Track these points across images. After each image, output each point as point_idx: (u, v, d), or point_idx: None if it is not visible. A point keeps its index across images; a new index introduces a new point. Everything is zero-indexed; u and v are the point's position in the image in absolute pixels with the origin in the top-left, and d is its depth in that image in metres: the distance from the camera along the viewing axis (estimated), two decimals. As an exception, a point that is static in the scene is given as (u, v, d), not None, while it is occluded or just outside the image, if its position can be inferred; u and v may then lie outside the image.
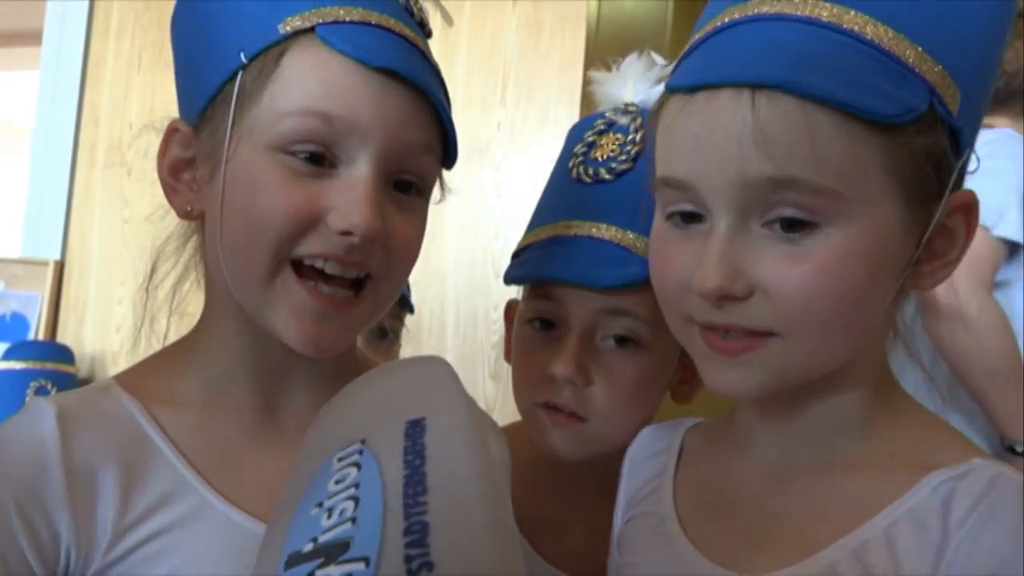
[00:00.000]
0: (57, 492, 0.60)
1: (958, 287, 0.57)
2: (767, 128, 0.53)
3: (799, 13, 0.55)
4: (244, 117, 0.63)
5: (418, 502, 0.40)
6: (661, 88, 0.86)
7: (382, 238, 0.63)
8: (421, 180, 0.67)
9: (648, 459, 0.78)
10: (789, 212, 0.55)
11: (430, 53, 0.69)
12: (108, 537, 0.61)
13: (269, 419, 0.70)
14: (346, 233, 0.62)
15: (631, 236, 0.81)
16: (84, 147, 2.04)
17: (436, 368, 0.55)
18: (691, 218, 0.60)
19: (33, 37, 2.30)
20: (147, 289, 0.73)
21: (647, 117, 0.84)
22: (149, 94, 1.98)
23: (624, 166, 0.83)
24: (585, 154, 0.86)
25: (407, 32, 0.66)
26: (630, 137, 0.84)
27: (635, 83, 0.88)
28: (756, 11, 0.56)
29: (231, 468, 0.66)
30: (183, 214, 0.69)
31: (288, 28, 0.62)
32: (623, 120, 0.86)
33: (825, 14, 0.55)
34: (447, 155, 0.70)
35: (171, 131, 0.68)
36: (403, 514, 0.40)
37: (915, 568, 0.55)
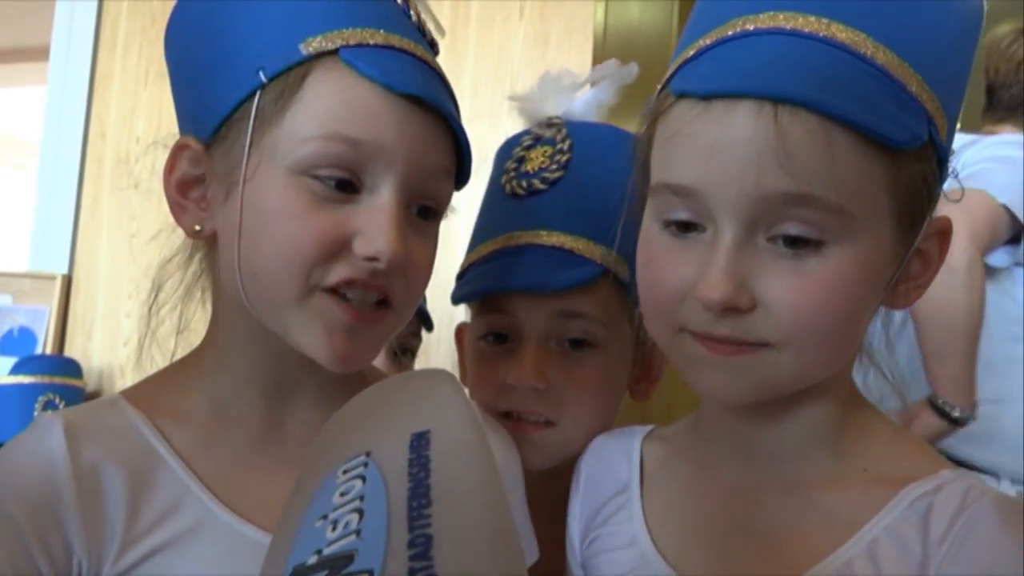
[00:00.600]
0: (68, 505, 0.60)
1: (954, 240, 0.58)
2: (789, 144, 0.54)
3: (816, 32, 0.56)
4: (263, 138, 0.62)
5: (423, 514, 0.40)
6: (585, 98, 0.89)
7: (405, 264, 0.63)
8: (438, 205, 0.68)
9: (604, 471, 0.77)
10: (795, 229, 0.56)
11: (444, 74, 0.69)
12: (116, 548, 0.61)
13: (275, 433, 0.69)
14: (372, 259, 0.62)
15: (572, 239, 0.82)
16: (91, 161, 2.05)
17: (441, 381, 0.55)
18: (687, 227, 0.60)
19: (40, 52, 2.31)
20: (150, 308, 0.73)
21: (571, 127, 0.87)
22: (156, 108, 1.99)
23: (556, 174, 0.85)
24: (516, 169, 0.87)
25: (427, 57, 0.66)
26: (558, 147, 0.86)
27: (555, 97, 0.91)
28: (772, 24, 0.57)
29: (237, 480, 0.66)
30: (192, 233, 0.68)
31: (311, 49, 0.62)
32: (548, 133, 0.88)
33: (841, 36, 0.56)
34: (460, 175, 0.70)
35: (180, 147, 0.67)
36: (407, 527, 0.40)
37: None
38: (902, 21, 0.57)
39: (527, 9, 1.67)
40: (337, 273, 0.62)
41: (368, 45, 0.63)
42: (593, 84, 0.92)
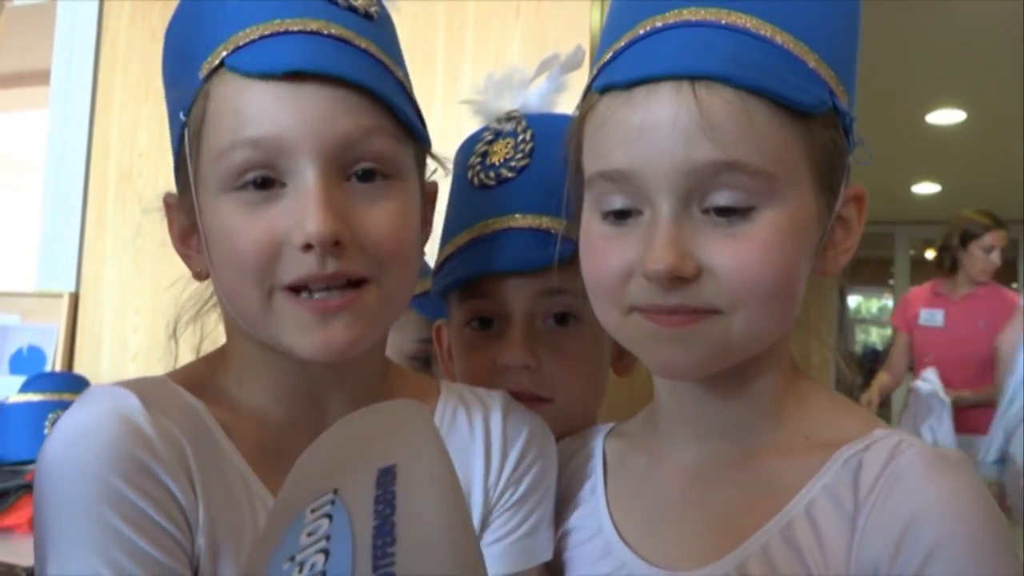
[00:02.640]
0: (161, 459, 0.60)
1: None
2: (711, 116, 0.58)
3: (721, 20, 0.61)
4: (199, 170, 0.65)
5: (387, 553, 0.40)
6: (539, 90, 0.91)
7: (350, 238, 0.62)
8: (381, 163, 0.65)
9: (571, 471, 0.80)
10: (725, 199, 0.60)
11: (358, 33, 0.66)
12: (204, 522, 0.61)
13: (312, 435, 0.70)
14: (307, 246, 0.61)
15: (547, 219, 0.85)
16: (95, 178, 2.06)
17: (410, 413, 0.55)
18: (624, 215, 0.63)
19: (41, 77, 2.33)
20: (175, 338, 0.75)
21: (530, 119, 0.90)
22: (158, 123, 1.99)
23: (522, 162, 0.88)
24: (481, 163, 0.90)
25: (312, 26, 0.64)
26: (520, 138, 0.89)
27: (510, 92, 0.94)
28: (679, 19, 0.62)
29: (282, 478, 0.66)
30: (197, 276, 0.71)
31: (204, 72, 0.63)
32: (508, 126, 0.91)
33: (741, 22, 0.61)
34: (415, 133, 0.69)
35: (167, 205, 0.71)
36: (372, 566, 0.39)
37: (834, 540, 0.60)
38: (795, 7, 0.63)
39: (523, 10, 1.68)
40: (288, 273, 0.62)
41: (245, 44, 0.63)
42: (542, 75, 0.95)
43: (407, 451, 0.49)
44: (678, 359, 0.64)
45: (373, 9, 0.69)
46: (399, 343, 1.25)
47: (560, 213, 0.84)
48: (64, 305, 2.03)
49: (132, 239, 2.00)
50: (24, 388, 1.81)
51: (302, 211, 0.61)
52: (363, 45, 0.66)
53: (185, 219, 0.69)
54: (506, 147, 0.88)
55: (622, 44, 0.64)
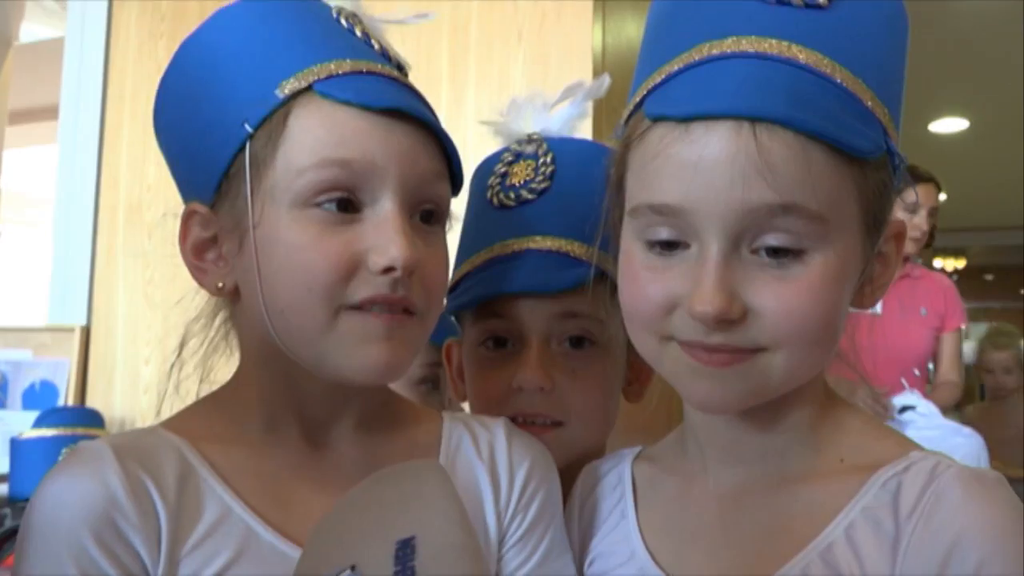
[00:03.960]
0: (129, 516, 0.61)
1: None
2: (770, 159, 0.57)
3: (778, 54, 0.60)
4: (261, 183, 0.66)
5: None
6: (561, 115, 0.92)
7: (419, 269, 0.65)
8: (439, 207, 0.70)
9: (599, 495, 0.79)
10: (777, 240, 0.59)
11: (416, 89, 0.72)
12: (164, 566, 0.62)
13: (316, 457, 0.71)
14: (388, 269, 0.64)
15: (567, 243, 0.85)
16: (105, 211, 2.07)
17: (429, 475, 0.55)
18: (671, 246, 0.63)
19: (50, 112, 2.35)
20: (172, 365, 0.75)
21: (551, 142, 0.90)
22: (166, 156, 2.01)
23: (543, 185, 0.87)
24: (501, 184, 0.89)
25: (395, 74, 0.70)
26: (540, 160, 0.89)
27: (530, 116, 0.94)
28: (737, 49, 0.61)
29: (279, 501, 0.67)
30: (215, 291, 0.71)
31: (287, 91, 0.66)
32: (529, 149, 0.90)
33: (802, 57, 0.60)
34: (454, 180, 0.73)
35: (189, 214, 0.70)
36: None
37: (876, 562, 0.59)
38: (852, 41, 0.62)
39: (525, 33, 1.69)
40: (358, 292, 0.64)
41: (338, 75, 0.66)
42: (565, 101, 0.95)
43: (426, 519, 0.49)
44: (716, 395, 0.63)
45: (407, 71, 0.75)
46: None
47: (580, 237, 0.84)
48: (76, 339, 2.03)
49: (142, 271, 2.01)
50: (37, 423, 1.82)
51: (384, 236, 0.64)
52: (423, 97, 0.72)
53: (207, 231, 0.70)
54: (527, 169, 0.88)
55: (675, 68, 0.62)
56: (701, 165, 0.59)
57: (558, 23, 1.68)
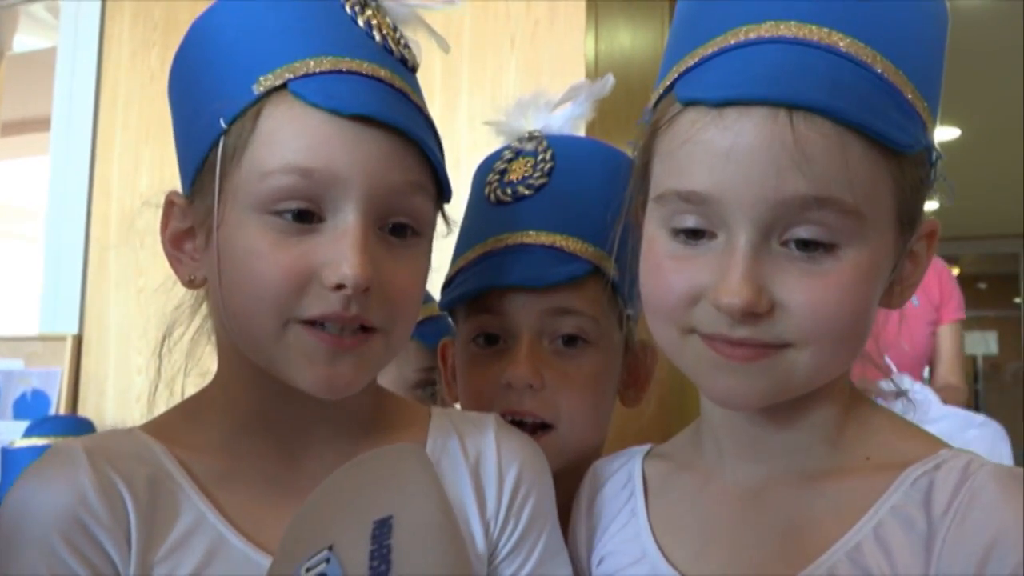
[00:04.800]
0: (100, 518, 0.60)
1: None
2: (806, 148, 0.55)
3: (819, 40, 0.57)
4: (229, 182, 0.64)
5: None
6: (563, 113, 0.91)
7: (377, 287, 0.63)
8: (415, 221, 0.67)
9: (608, 493, 0.77)
10: (808, 233, 0.57)
11: (413, 89, 0.69)
12: (135, 569, 0.61)
13: (292, 469, 0.69)
14: (339, 286, 0.61)
15: (562, 238, 0.84)
16: (97, 220, 2.06)
17: (408, 458, 0.54)
18: (697, 234, 0.60)
19: (42, 123, 2.35)
20: (160, 355, 0.74)
21: (551, 140, 0.89)
22: (158, 165, 2.01)
23: (540, 181, 0.86)
24: (499, 180, 0.88)
25: (381, 73, 0.65)
26: (540, 157, 0.88)
27: (533, 115, 0.93)
28: (775, 33, 0.58)
29: (253, 511, 0.66)
30: (187, 283, 0.69)
31: (262, 88, 0.63)
32: (529, 146, 0.89)
33: (843, 44, 0.57)
34: (442, 191, 0.70)
35: (168, 204, 0.69)
36: None
37: (907, 562, 0.57)
38: (895, 31, 0.59)
39: (518, 40, 1.70)
40: (310, 308, 0.62)
41: (315, 74, 0.63)
42: (568, 101, 0.95)
43: (404, 500, 0.48)
44: (737, 390, 0.61)
45: (414, 62, 0.71)
46: (403, 373, 1.24)
47: (576, 233, 0.83)
48: (67, 348, 2.02)
49: (134, 280, 2.00)
50: (28, 432, 1.80)
51: (340, 251, 0.61)
52: (417, 102, 0.68)
53: (185, 222, 0.69)
54: (525, 165, 0.87)
55: (710, 51, 0.60)
56: (734, 152, 0.56)
57: (551, 30, 1.68)
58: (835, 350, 0.60)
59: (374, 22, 0.68)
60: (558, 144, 0.89)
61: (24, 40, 2.87)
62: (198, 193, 0.67)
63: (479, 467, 0.73)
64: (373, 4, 0.69)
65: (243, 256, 0.63)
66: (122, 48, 2.09)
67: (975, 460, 0.60)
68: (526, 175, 0.87)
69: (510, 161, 0.89)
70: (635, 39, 1.95)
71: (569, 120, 0.93)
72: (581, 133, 0.97)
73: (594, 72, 1.70)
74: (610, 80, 0.94)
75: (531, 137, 0.90)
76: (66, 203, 2.09)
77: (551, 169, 0.87)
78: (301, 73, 0.63)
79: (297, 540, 0.51)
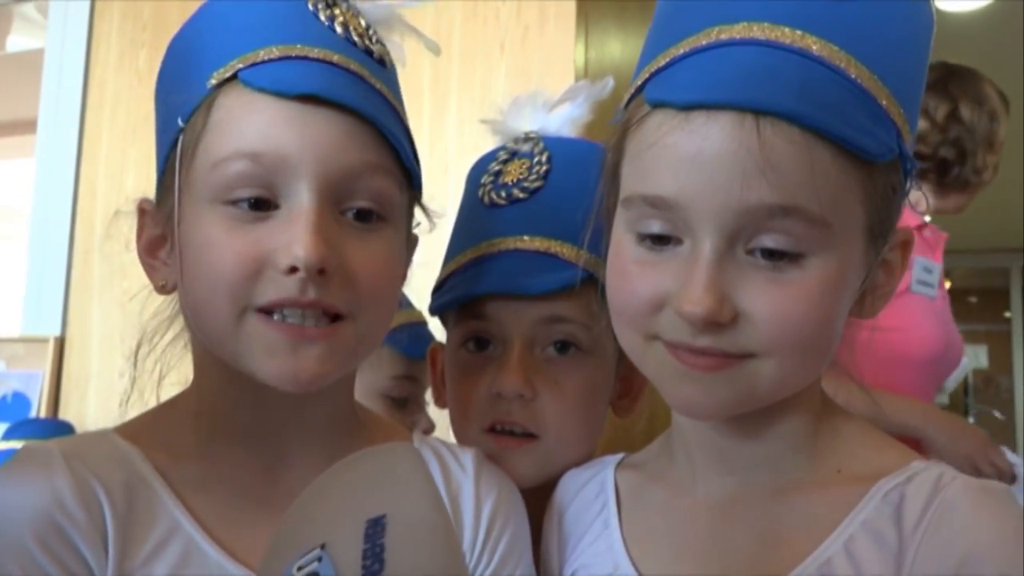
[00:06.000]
0: (76, 520, 0.59)
1: None
2: (772, 156, 0.54)
3: (791, 44, 0.56)
4: (187, 177, 0.63)
5: None
6: (560, 114, 0.90)
7: (336, 270, 0.61)
8: (378, 204, 0.65)
9: (579, 505, 0.76)
10: (774, 242, 0.56)
11: (377, 78, 0.67)
12: (112, 573, 0.60)
13: (268, 477, 0.68)
14: (292, 269, 0.60)
15: (557, 244, 0.82)
16: (82, 221, 2.05)
17: (401, 457, 0.53)
18: (663, 240, 0.59)
19: (28, 126, 2.33)
20: (135, 363, 0.73)
21: (547, 141, 0.88)
22: (145, 166, 1.99)
23: (535, 184, 0.85)
24: (494, 182, 0.87)
25: (334, 58, 0.65)
26: (536, 159, 0.86)
27: (530, 115, 0.91)
28: (747, 35, 0.57)
29: (229, 521, 0.65)
30: (159, 289, 0.69)
31: (214, 81, 0.63)
32: (525, 147, 0.88)
33: (815, 47, 0.56)
34: (412, 178, 0.69)
35: (141, 212, 0.69)
36: None
37: None
38: (872, 35, 0.58)
39: (508, 45, 1.69)
40: (265, 294, 0.61)
41: (264, 62, 0.63)
42: (567, 102, 0.93)
43: (397, 498, 0.48)
44: (699, 400, 0.61)
45: (386, 58, 0.70)
46: (374, 380, 1.22)
47: (570, 238, 0.81)
48: (49, 350, 2.00)
49: (119, 281, 1.98)
50: (7, 435, 1.79)
51: (292, 233, 0.60)
52: (377, 85, 0.67)
53: (157, 228, 0.68)
54: (521, 167, 0.86)
55: (681, 52, 0.59)
56: (699, 158, 0.55)
57: (540, 37, 1.68)
58: (800, 361, 0.59)
59: (340, 18, 0.67)
60: (554, 146, 0.87)
61: (17, 41, 2.86)
62: (163, 195, 0.66)
63: (458, 498, 0.72)
64: (343, 4, 0.69)
65: (200, 248, 0.62)
66: (111, 48, 2.07)
67: (947, 473, 0.59)
68: (521, 177, 0.85)
69: (505, 162, 0.87)
70: (626, 45, 1.94)
71: (567, 121, 0.92)
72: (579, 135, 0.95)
73: (583, 77, 1.69)
74: (610, 82, 0.93)
75: (527, 138, 0.88)
76: (51, 203, 2.07)
77: (547, 172, 0.85)
78: (250, 62, 0.63)
79: (288, 539, 0.51)
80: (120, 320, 1.97)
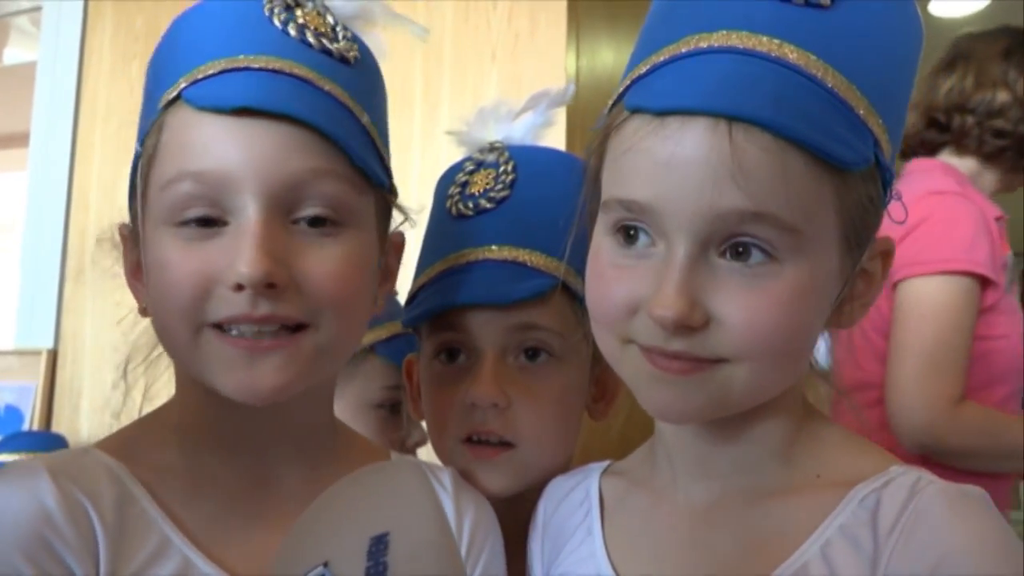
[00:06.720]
0: (65, 536, 0.59)
1: None
2: (744, 162, 0.55)
3: (768, 52, 0.57)
4: (145, 201, 0.64)
5: None
6: (524, 122, 0.90)
7: (288, 281, 0.61)
8: (332, 209, 0.64)
9: (564, 512, 0.76)
10: (749, 245, 0.56)
11: (327, 76, 0.66)
12: None
13: (256, 489, 0.68)
14: (239, 287, 0.60)
15: (525, 252, 0.82)
16: (74, 233, 2.04)
17: (405, 475, 0.53)
18: (635, 234, 0.60)
19: (20, 139, 2.33)
20: (125, 378, 0.74)
21: (512, 151, 0.88)
22: (137, 177, 1.99)
23: (502, 193, 0.85)
24: (460, 192, 0.87)
25: (277, 65, 0.63)
26: (501, 169, 0.86)
27: (494, 125, 0.91)
28: (726, 43, 0.57)
29: (217, 534, 0.65)
30: (142, 312, 0.70)
31: (163, 102, 0.63)
32: (490, 157, 0.88)
33: (792, 56, 0.57)
34: (373, 178, 0.67)
35: (122, 237, 0.70)
36: None
37: None
38: (852, 45, 0.58)
39: (499, 54, 1.69)
40: (217, 311, 0.61)
41: (206, 77, 0.63)
42: (529, 110, 0.94)
43: (401, 516, 0.48)
44: (673, 404, 0.61)
45: (352, 54, 0.68)
46: (366, 391, 1.21)
47: (539, 247, 0.82)
48: (42, 362, 2.00)
49: (111, 294, 1.98)
50: (0, 448, 1.78)
51: (238, 250, 0.60)
52: (326, 87, 0.65)
53: (134, 253, 0.69)
54: (487, 178, 0.86)
55: (661, 59, 0.59)
56: (673, 163, 0.56)
57: (532, 45, 1.68)
58: (773, 366, 0.59)
59: (298, 20, 0.66)
60: (520, 155, 0.88)
61: (14, 53, 2.86)
62: (133, 220, 0.68)
63: None
64: (308, 4, 0.68)
65: (158, 270, 0.63)
66: (103, 59, 2.08)
67: (923, 478, 0.59)
68: (487, 188, 0.85)
69: (471, 173, 0.87)
70: (618, 54, 1.95)
71: (531, 129, 0.92)
72: (559, 144, 0.95)
73: (575, 88, 1.70)
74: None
75: (492, 148, 0.89)
76: (44, 215, 2.07)
77: (513, 181, 0.85)
78: (192, 80, 0.63)
79: (292, 555, 0.51)
80: (113, 333, 1.97)
